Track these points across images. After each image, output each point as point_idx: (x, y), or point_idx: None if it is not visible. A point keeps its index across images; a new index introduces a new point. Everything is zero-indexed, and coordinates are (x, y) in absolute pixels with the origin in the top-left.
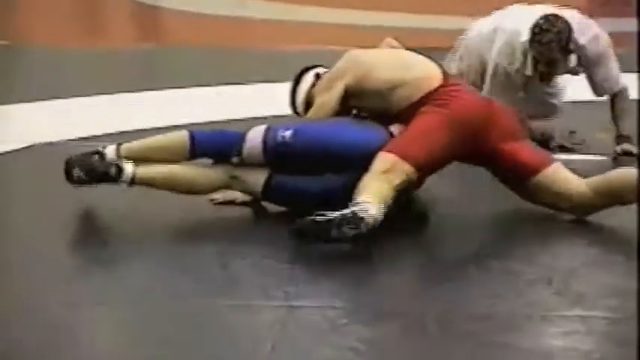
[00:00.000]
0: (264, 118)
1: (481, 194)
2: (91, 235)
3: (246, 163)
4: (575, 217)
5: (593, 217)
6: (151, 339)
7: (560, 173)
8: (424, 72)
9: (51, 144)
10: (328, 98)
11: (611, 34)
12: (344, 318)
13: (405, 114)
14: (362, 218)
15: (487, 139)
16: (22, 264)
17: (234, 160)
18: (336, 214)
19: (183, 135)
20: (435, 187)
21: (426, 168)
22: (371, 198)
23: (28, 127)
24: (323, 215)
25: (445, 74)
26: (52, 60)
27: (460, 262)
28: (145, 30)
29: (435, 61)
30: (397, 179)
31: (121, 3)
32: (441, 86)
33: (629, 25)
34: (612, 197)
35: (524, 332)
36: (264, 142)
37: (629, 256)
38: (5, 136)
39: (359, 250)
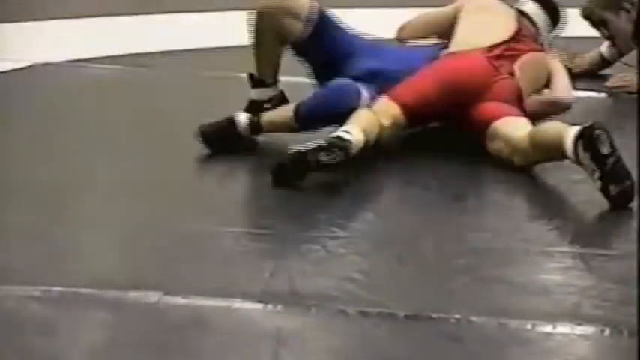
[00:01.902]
0: None
1: None
2: (90, 160)
3: None
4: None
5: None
6: (150, 263)
7: (510, 123)
8: (471, 38)
9: (50, 64)
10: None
11: None
12: (342, 248)
13: None
14: (347, 141)
15: (473, 102)
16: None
17: None
18: (321, 142)
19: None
20: None
21: (413, 112)
22: (357, 125)
23: (27, 47)
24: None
25: (492, 47)
26: None
27: (460, 196)
28: None
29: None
30: (386, 120)
31: None
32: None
33: None
34: (538, 148)
35: (521, 267)
36: None
37: None
38: (4, 55)
39: (357, 181)
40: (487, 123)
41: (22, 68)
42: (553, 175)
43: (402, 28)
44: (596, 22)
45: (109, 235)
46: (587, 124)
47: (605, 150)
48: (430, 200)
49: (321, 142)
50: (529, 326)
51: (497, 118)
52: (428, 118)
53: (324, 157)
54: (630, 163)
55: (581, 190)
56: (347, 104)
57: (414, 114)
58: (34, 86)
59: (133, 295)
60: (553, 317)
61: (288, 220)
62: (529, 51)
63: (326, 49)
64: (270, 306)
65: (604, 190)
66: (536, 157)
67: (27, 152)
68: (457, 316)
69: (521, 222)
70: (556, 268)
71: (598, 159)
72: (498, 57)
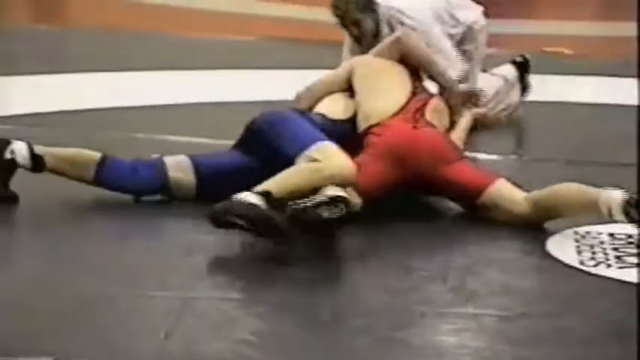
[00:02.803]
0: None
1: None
2: None
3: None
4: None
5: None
6: (42, 327)
7: (504, 190)
8: (381, 105)
9: None
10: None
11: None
12: (239, 310)
13: (359, 140)
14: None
15: (419, 165)
16: None
17: None
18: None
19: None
20: None
21: (371, 196)
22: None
23: None
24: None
25: (403, 107)
26: None
27: (360, 256)
28: (44, 10)
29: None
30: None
31: None
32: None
33: None
34: (550, 212)
35: (418, 328)
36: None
37: (523, 255)
38: None
39: (259, 243)
40: (471, 198)
41: None
42: (449, 235)
43: (298, 99)
44: (347, 24)
45: None
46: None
47: None
48: (329, 260)
49: (322, 197)
50: None
51: (479, 191)
52: (387, 194)
53: (325, 212)
54: None
55: (476, 250)
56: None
57: (372, 197)
58: None
59: None
60: None
61: (184, 282)
62: (425, 94)
63: None
64: None
65: None
66: (544, 217)
67: None
68: None
69: (419, 282)
70: (451, 329)
71: None
72: (414, 114)
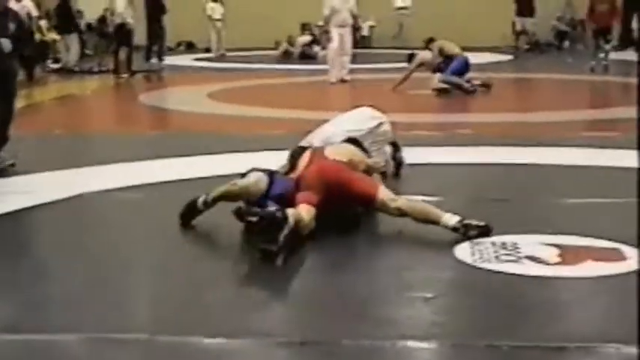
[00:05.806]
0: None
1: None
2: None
3: None
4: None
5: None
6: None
7: (384, 200)
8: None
9: (96, 192)
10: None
11: None
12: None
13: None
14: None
15: (325, 183)
16: None
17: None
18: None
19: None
20: None
21: (318, 206)
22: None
23: (79, 183)
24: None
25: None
26: (99, 142)
27: (344, 257)
28: (155, 122)
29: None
30: (307, 215)
31: (141, 107)
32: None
33: None
34: (408, 216)
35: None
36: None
37: (440, 255)
38: (63, 188)
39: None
40: (368, 202)
41: (74, 196)
42: (398, 245)
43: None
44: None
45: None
46: (458, 223)
47: (474, 233)
48: (328, 267)
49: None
50: None
51: (372, 198)
52: (324, 204)
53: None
54: None
55: (412, 254)
56: None
57: (318, 206)
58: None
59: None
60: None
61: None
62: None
63: None
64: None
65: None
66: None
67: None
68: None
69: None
70: (408, 299)
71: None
72: (318, 157)
